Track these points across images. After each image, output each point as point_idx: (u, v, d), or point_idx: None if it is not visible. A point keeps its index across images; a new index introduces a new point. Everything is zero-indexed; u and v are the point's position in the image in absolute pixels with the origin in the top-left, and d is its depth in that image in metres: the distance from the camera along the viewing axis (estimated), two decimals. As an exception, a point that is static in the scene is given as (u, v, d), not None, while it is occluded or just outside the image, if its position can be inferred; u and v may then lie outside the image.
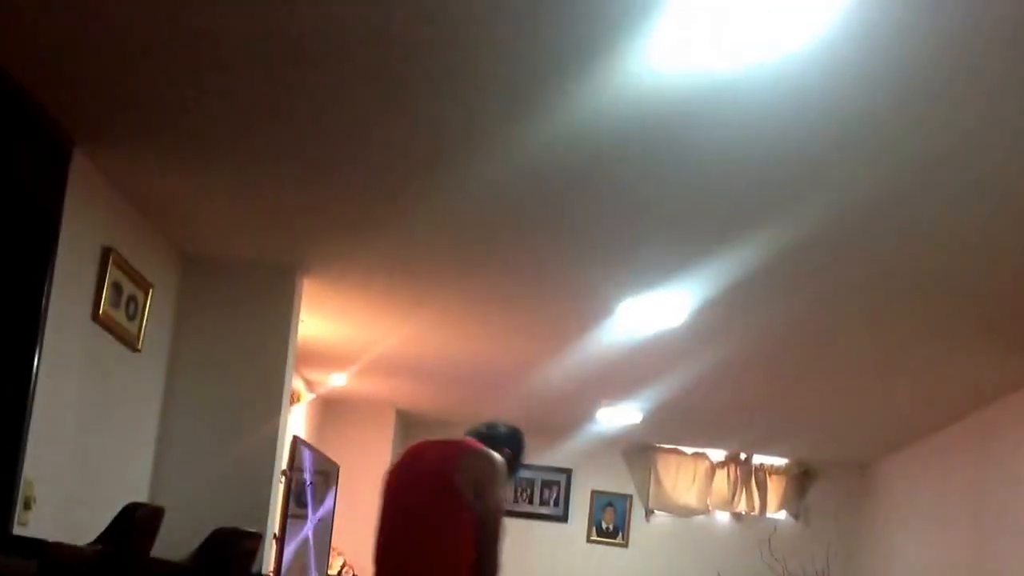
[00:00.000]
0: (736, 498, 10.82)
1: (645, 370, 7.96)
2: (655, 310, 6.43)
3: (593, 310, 6.64)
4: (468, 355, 8.21)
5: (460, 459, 4.38)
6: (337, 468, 9.20)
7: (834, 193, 4.67)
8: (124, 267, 5.62)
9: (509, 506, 10.44)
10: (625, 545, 10.80)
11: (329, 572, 9.19)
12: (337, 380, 9.33)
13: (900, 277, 5.64)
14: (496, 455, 4.44)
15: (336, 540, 9.37)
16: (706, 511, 10.89)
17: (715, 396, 8.64)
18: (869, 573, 10.37)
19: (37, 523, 4.78)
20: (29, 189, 4.75)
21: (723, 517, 10.94)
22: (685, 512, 10.79)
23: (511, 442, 4.76)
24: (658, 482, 10.82)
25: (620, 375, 8.18)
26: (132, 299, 5.78)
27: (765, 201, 4.83)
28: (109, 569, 3.35)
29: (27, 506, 4.74)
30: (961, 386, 7.43)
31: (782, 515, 10.84)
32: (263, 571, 6.22)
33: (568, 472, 10.84)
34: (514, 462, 4.70)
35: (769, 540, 10.43)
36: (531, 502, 10.74)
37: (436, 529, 4.27)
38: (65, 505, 5.16)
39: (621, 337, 7.03)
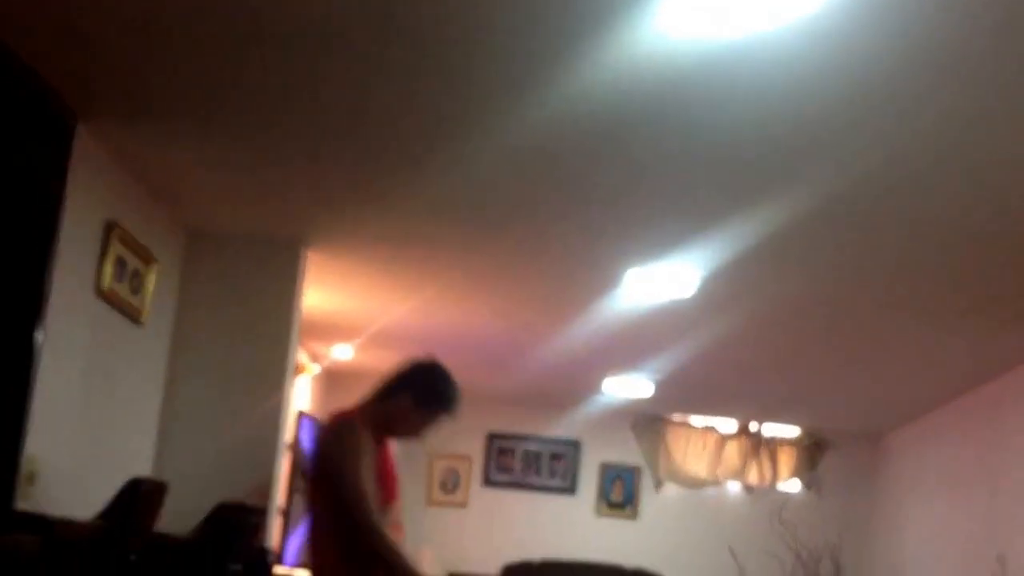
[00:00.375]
0: (747, 469, 10.79)
1: (654, 340, 7.94)
2: (663, 281, 6.41)
3: (599, 280, 6.62)
4: (474, 327, 8.18)
5: (317, 442, 4.41)
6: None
7: (842, 164, 4.66)
8: (128, 241, 5.60)
9: (519, 478, 10.60)
10: (634, 518, 10.78)
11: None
12: (343, 352, 9.31)
13: (909, 249, 5.63)
14: (343, 427, 4.30)
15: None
16: (716, 483, 10.86)
17: (725, 366, 8.64)
18: (882, 544, 10.36)
19: (41, 498, 4.78)
20: (31, 164, 4.73)
21: (734, 489, 10.91)
22: (695, 484, 10.77)
23: (411, 386, 4.46)
24: (668, 454, 10.79)
25: (628, 346, 8.17)
26: (136, 273, 5.77)
27: (774, 171, 4.82)
28: (112, 544, 3.33)
29: (30, 481, 4.74)
30: (973, 357, 7.42)
31: (793, 486, 10.81)
32: (268, 545, 6.21)
33: (576, 444, 10.81)
34: (424, 403, 4.42)
35: (780, 511, 10.41)
36: (539, 475, 10.71)
37: (311, 512, 4.33)
38: (69, 480, 5.16)
39: (629, 307, 7.02)
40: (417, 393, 4.42)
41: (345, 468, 4.16)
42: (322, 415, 9.40)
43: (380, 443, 4.37)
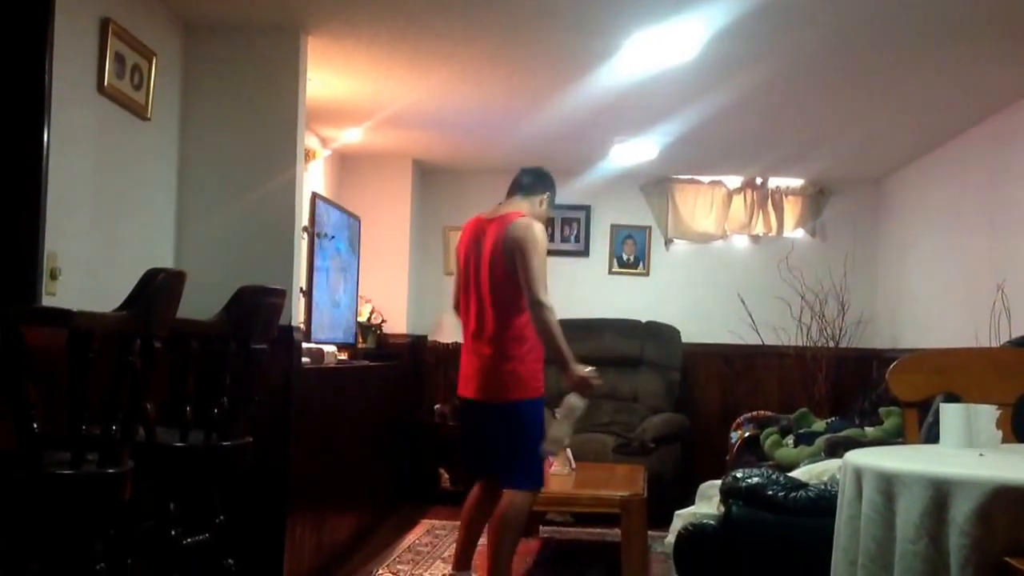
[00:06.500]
0: (753, 221, 10.96)
1: (660, 104, 8.00)
2: (666, 43, 6.43)
3: (600, 45, 6.62)
4: (478, 101, 8.23)
5: (513, 230, 5.98)
6: (358, 220, 9.35)
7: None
8: (125, 37, 5.64)
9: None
10: (646, 274, 11.02)
11: (359, 319, 9.45)
12: (352, 136, 9.39)
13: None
14: (530, 223, 6.00)
15: (363, 289, 9.61)
16: (724, 236, 11.06)
17: (732, 126, 8.71)
18: (885, 282, 10.61)
19: (64, 293, 4.97)
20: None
21: (741, 241, 11.11)
22: (703, 239, 10.95)
23: (548, 187, 6.38)
24: (676, 212, 10.96)
25: (634, 110, 8.22)
26: (136, 69, 5.82)
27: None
28: (136, 333, 3.50)
29: (53, 276, 4.92)
30: (976, 92, 7.45)
31: (799, 234, 10.99)
32: (293, 324, 6.40)
33: (587, 208, 10.98)
34: (553, 197, 6.45)
35: (787, 258, 10.62)
36: (552, 239, 10.87)
37: (501, 299, 6.06)
38: (90, 274, 5.33)
39: (634, 71, 7.06)
40: (551, 191, 6.38)
41: (539, 252, 5.91)
42: (333, 196, 9.52)
43: None
